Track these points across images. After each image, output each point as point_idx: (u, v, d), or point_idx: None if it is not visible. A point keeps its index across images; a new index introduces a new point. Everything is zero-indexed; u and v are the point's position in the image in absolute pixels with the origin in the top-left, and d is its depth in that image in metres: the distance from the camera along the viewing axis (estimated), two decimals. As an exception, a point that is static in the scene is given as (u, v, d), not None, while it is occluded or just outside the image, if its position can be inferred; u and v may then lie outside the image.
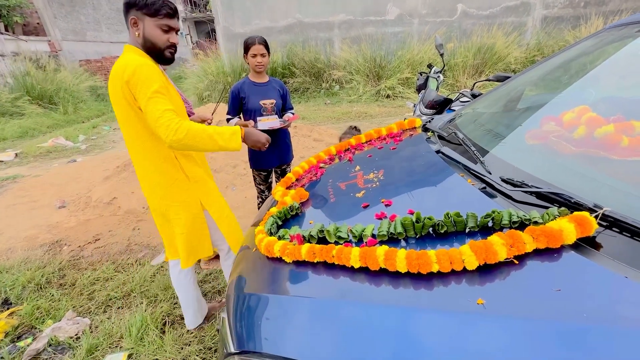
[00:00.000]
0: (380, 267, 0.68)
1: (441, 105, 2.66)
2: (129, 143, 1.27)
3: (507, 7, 8.64)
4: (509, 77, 2.16)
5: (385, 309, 0.61)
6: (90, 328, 1.78)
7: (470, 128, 1.33)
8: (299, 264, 0.81)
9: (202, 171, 1.41)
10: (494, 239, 0.61)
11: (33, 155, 5.78)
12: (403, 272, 0.65)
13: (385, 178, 1.09)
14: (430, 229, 0.75)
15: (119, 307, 1.94)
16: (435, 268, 0.62)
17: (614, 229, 0.64)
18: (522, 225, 0.67)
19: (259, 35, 2.12)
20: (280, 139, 2.23)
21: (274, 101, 2.14)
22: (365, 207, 0.95)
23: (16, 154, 5.79)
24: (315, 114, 7.24)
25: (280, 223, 1.03)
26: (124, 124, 1.22)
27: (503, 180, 0.87)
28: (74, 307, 1.94)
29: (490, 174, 0.93)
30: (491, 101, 1.64)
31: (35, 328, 1.81)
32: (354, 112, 7.11)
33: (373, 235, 0.79)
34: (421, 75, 3.00)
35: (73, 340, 1.69)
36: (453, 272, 0.63)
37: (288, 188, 1.31)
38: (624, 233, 0.62)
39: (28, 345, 1.67)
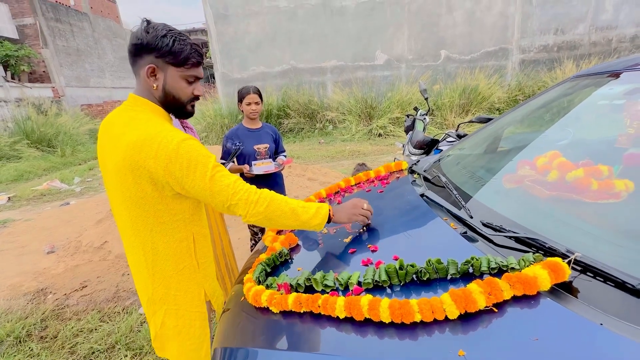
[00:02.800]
0: (365, 317, 0.68)
1: (428, 146, 2.78)
2: (132, 224, 0.99)
3: (487, 52, 9.30)
4: (490, 119, 2.29)
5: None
6: (69, 386, 1.67)
7: (453, 171, 1.39)
8: (287, 314, 0.81)
9: (211, 251, 1.16)
10: (473, 287, 0.63)
11: (26, 199, 5.75)
12: (387, 322, 0.66)
13: (372, 222, 1.12)
14: (414, 276, 0.77)
15: (102, 361, 1.83)
16: (417, 318, 0.63)
17: (587, 273, 0.66)
18: (500, 271, 0.70)
19: (253, 84, 2.26)
20: (273, 182, 2.29)
21: (268, 145, 2.23)
22: (352, 252, 0.97)
23: (9, 198, 5.76)
24: (309, 153, 7.42)
25: (269, 270, 1.03)
26: (132, 202, 0.95)
27: (484, 224, 0.90)
28: (53, 362, 1.84)
29: (472, 217, 0.96)
30: (473, 143, 1.73)
31: (10, 387, 1.69)
32: (348, 150, 7.30)
33: (359, 283, 0.80)
34: (408, 117, 3.16)
35: (49, 401, 1.58)
36: (436, 321, 0.63)
37: (279, 232, 1.33)
38: (597, 278, 0.65)
39: (0, 408, 1.55)
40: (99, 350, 1.91)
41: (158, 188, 0.93)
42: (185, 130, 2.03)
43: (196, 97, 1.02)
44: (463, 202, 1.03)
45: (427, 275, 0.74)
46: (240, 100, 2.15)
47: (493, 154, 1.51)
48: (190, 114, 1.05)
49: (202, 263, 1.09)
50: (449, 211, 1.02)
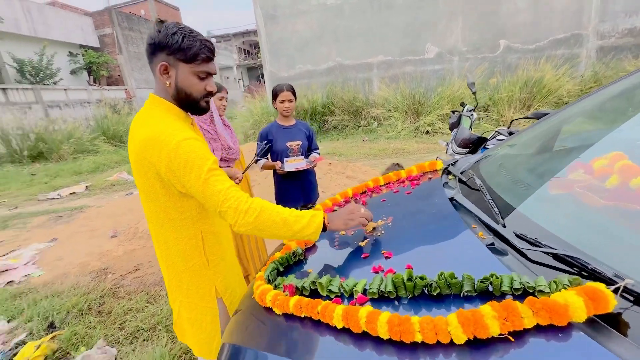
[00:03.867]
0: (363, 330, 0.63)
1: (474, 144, 2.54)
2: (149, 217, 1.06)
3: (556, 39, 8.29)
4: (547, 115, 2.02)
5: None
6: (116, 359, 1.85)
7: (493, 173, 1.25)
8: (288, 316, 0.78)
9: (224, 249, 1.17)
10: (486, 309, 0.54)
11: (100, 188, 6.53)
12: (385, 338, 0.60)
13: (393, 226, 1.04)
14: (426, 289, 0.69)
15: (144, 340, 2.00)
16: (418, 338, 0.56)
17: (642, 305, 0.53)
18: (525, 293, 0.59)
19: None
20: (305, 179, 2.29)
21: (300, 142, 2.22)
22: (365, 257, 0.91)
23: (87, 187, 6.59)
24: (352, 150, 7.33)
25: (281, 269, 1.01)
26: (147, 197, 1.01)
27: (517, 235, 0.78)
28: (105, 335, 2.05)
29: (505, 227, 0.85)
30: (522, 142, 1.54)
31: (70, 354, 1.92)
32: (392, 148, 7.07)
33: (364, 292, 0.74)
34: (454, 113, 2.94)
35: (98, 370, 1.77)
36: (440, 344, 0.56)
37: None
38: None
39: (60, 371, 1.77)
40: (143, 329, 2.09)
41: (165, 185, 0.95)
42: (224, 127, 2.13)
43: (209, 93, 1.02)
44: (496, 209, 0.91)
45: (438, 290, 0.66)
46: (274, 97, 2.17)
47: (543, 154, 1.32)
48: (204, 110, 1.04)
49: (212, 260, 1.10)
50: (479, 218, 0.91)
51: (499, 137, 2.53)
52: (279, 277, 0.93)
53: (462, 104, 2.90)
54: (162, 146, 0.89)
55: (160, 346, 1.85)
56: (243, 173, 1.81)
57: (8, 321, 2.29)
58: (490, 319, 0.53)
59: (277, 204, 0.97)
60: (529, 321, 0.52)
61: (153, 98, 1.01)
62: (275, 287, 0.89)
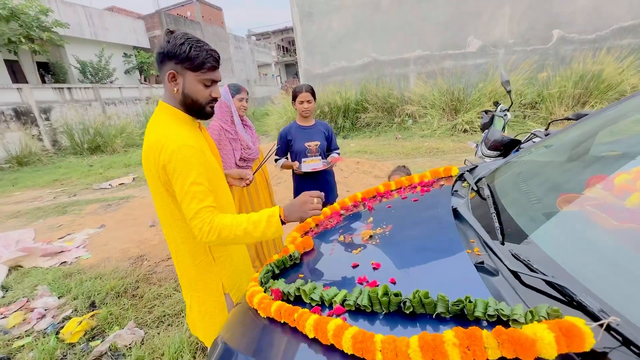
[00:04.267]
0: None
1: (506, 147, 2.38)
2: (160, 217, 1.14)
3: (621, 28, 7.40)
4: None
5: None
6: (142, 340, 2.02)
7: (507, 182, 1.16)
8: (272, 321, 0.81)
9: (231, 247, 1.24)
10: (448, 335, 0.51)
11: (144, 179, 7.07)
12: (349, 353, 0.59)
13: (389, 235, 1.02)
14: (403, 306, 0.67)
15: (168, 324, 2.16)
16: (378, 357, 0.55)
17: (632, 348, 0.47)
18: (500, 321, 0.55)
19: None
20: (323, 179, 2.30)
21: (319, 143, 2.23)
22: (355, 267, 0.90)
23: (133, 178, 7.17)
24: (384, 148, 7.18)
25: (277, 272, 1.04)
26: (156, 197, 1.09)
27: (513, 255, 0.73)
28: (135, 317, 2.24)
29: (503, 245, 0.79)
30: (552, 147, 1.41)
31: (105, 332, 2.13)
32: (425, 147, 6.81)
33: (342, 303, 0.74)
34: (486, 113, 2.76)
35: (127, 349, 1.94)
36: (401, 366, 0.54)
37: (306, 233, 1.33)
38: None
39: (96, 347, 1.97)
40: (168, 315, 2.25)
41: (166, 187, 1.03)
42: (245, 128, 2.20)
43: (214, 99, 1.08)
44: (497, 224, 0.85)
45: (412, 309, 0.64)
46: (294, 98, 2.20)
47: (569, 163, 1.20)
48: (209, 115, 1.11)
49: (219, 257, 1.16)
50: (477, 233, 0.86)
51: (534, 140, 2.35)
52: (271, 280, 0.95)
53: (496, 103, 2.71)
54: (163, 150, 0.97)
55: (180, 332, 1.99)
56: (253, 174, 1.84)
57: (59, 297, 2.59)
58: (450, 345, 0.50)
59: None
60: (492, 352, 0.49)
61: (161, 105, 1.08)
62: (265, 290, 0.92)
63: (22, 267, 3.22)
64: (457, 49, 8.82)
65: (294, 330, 0.73)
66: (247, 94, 2.12)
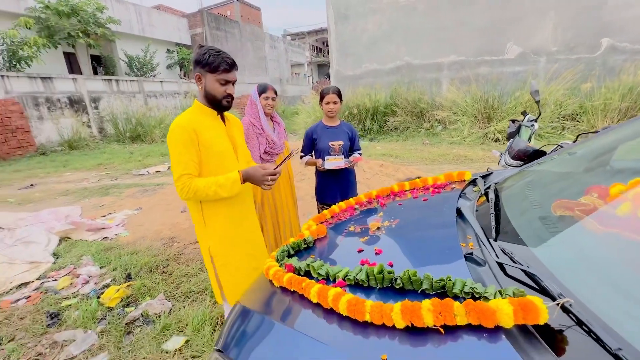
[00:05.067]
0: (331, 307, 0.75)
1: (530, 158, 2.36)
2: None
3: (679, 38, 6.86)
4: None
5: (311, 342, 0.68)
6: (170, 311, 2.24)
7: (514, 188, 1.22)
8: (284, 289, 0.94)
9: (224, 217, 1.47)
10: (425, 303, 0.62)
11: (178, 169, 7.52)
12: (344, 315, 0.71)
13: (395, 227, 1.12)
14: (394, 282, 0.78)
15: (193, 300, 2.37)
16: (367, 318, 0.66)
17: (584, 327, 0.55)
18: (474, 297, 0.65)
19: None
20: (344, 177, 2.41)
21: (342, 142, 2.35)
22: (360, 251, 1.01)
23: (168, 167, 7.65)
24: (409, 153, 7.14)
25: (292, 252, 1.17)
26: None
27: (502, 250, 0.81)
28: (165, 291, 2.47)
29: (496, 241, 0.87)
30: (568, 157, 1.44)
31: (138, 300, 2.38)
32: (453, 154, 6.70)
33: (344, 278, 0.86)
34: (513, 123, 2.74)
35: (156, 317, 2.16)
36: (384, 326, 0.65)
37: (321, 223, 1.45)
38: (591, 334, 0.54)
39: (130, 312, 2.21)
40: (193, 292, 2.47)
41: None
42: (274, 124, 2.36)
43: (228, 95, 1.38)
44: (493, 225, 0.93)
45: (401, 285, 0.74)
46: (321, 99, 2.33)
47: (579, 174, 1.23)
48: (226, 108, 1.41)
49: (209, 222, 1.45)
50: (473, 230, 0.94)
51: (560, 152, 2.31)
52: (286, 258, 1.09)
53: (524, 113, 2.68)
54: (171, 125, 1.33)
55: (203, 307, 2.18)
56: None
57: (100, 267, 2.90)
58: (426, 311, 0.61)
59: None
60: (460, 319, 0.59)
61: (195, 101, 1.44)
62: (280, 265, 1.05)
63: (70, 238, 3.61)
64: (495, 55, 8.57)
65: (302, 296, 0.85)
66: (275, 92, 2.27)
